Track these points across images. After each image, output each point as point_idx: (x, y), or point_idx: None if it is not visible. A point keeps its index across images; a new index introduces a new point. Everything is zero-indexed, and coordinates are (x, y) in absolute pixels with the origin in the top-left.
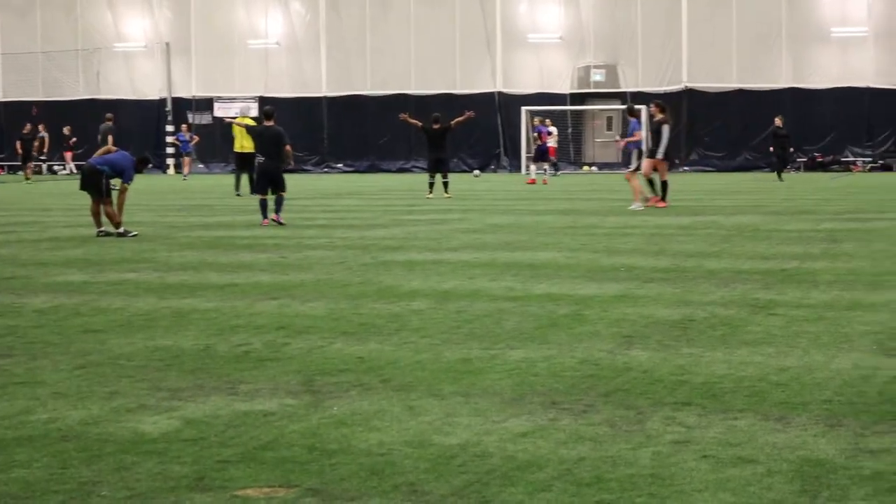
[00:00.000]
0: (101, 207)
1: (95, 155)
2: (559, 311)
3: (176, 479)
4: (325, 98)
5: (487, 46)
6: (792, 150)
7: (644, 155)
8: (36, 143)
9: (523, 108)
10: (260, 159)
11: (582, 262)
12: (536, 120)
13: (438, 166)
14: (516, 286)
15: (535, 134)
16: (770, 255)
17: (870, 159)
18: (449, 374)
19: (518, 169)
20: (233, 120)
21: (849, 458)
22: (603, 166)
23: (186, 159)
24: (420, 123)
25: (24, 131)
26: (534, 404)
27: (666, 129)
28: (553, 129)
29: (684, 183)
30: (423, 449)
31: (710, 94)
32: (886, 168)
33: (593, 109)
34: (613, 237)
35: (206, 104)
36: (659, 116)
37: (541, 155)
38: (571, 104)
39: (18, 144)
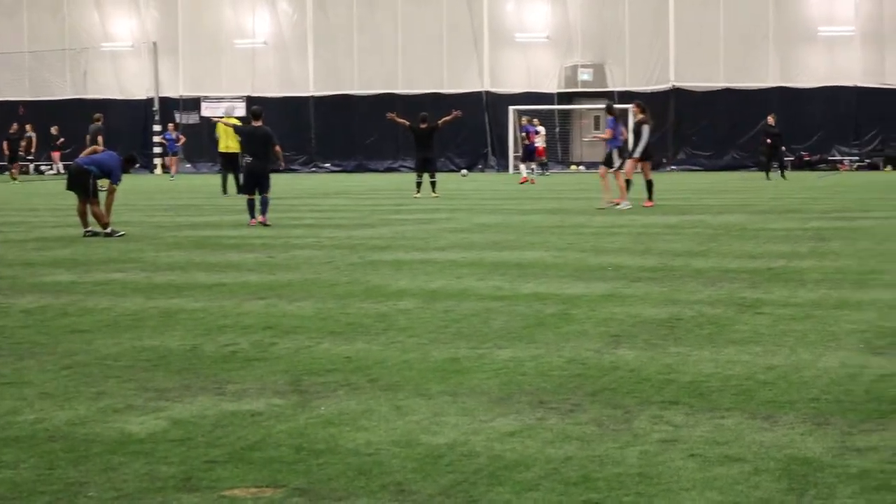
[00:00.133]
0: (88, 207)
1: (82, 155)
2: (546, 310)
3: (163, 480)
4: (313, 97)
5: (475, 45)
6: (784, 148)
7: (624, 154)
8: (23, 143)
9: (511, 108)
10: (247, 159)
11: (569, 261)
12: (524, 119)
13: (426, 166)
14: (504, 285)
15: (523, 133)
16: (757, 254)
17: (857, 158)
18: (436, 373)
19: (506, 168)
20: (219, 119)
21: (836, 457)
22: (591, 165)
23: (173, 159)
24: (407, 123)
25: (11, 131)
26: (521, 404)
27: (646, 129)
28: (541, 129)
29: (672, 182)
30: (411, 448)
31: (697, 94)
32: (873, 167)
33: (581, 109)
34: (601, 236)
35: (193, 104)
36: (639, 116)
37: (528, 154)
38: (559, 103)
39: (5, 144)
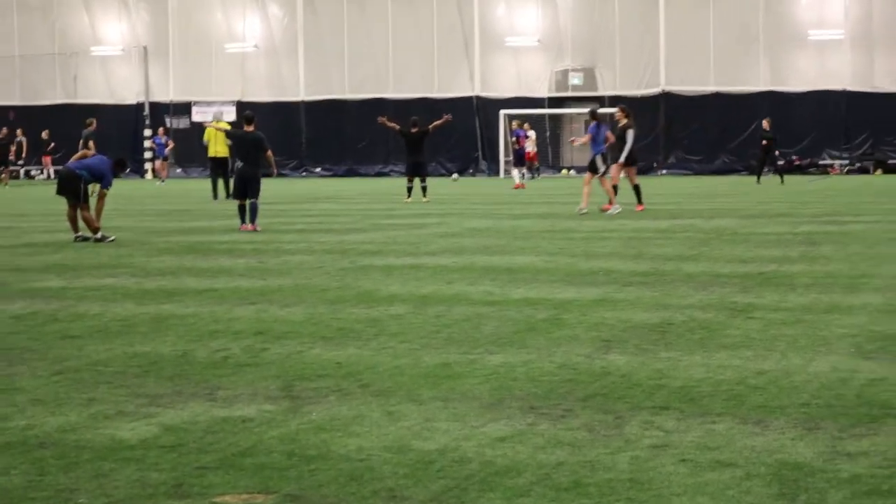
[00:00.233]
0: (79, 212)
1: (73, 159)
2: (537, 315)
3: (154, 486)
4: (304, 102)
5: (465, 50)
6: (777, 153)
7: (609, 160)
8: (13, 148)
9: (501, 112)
10: (238, 164)
11: (560, 265)
12: (515, 123)
13: (417, 170)
14: (495, 290)
15: (514, 138)
16: (748, 259)
17: (847, 162)
18: (428, 379)
19: (496, 173)
20: (210, 124)
21: (826, 462)
22: (581, 170)
23: (163, 163)
24: (398, 127)
25: (1, 136)
26: (512, 409)
27: (630, 134)
28: (531, 133)
29: (662, 186)
30: (402, 454)
31: (687, 98)
32: (863, 171)
33: (571, 113)
34: (591, 241)
35: (183, 108)
36: (623, 122)
37: (519, 159)
38: (549, 108)
39: None
